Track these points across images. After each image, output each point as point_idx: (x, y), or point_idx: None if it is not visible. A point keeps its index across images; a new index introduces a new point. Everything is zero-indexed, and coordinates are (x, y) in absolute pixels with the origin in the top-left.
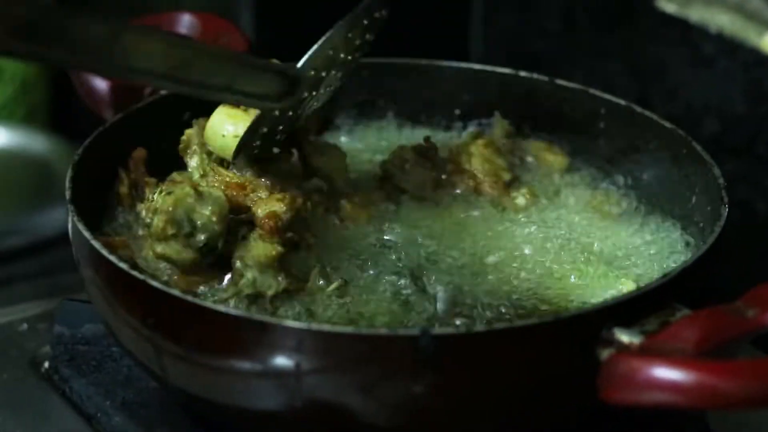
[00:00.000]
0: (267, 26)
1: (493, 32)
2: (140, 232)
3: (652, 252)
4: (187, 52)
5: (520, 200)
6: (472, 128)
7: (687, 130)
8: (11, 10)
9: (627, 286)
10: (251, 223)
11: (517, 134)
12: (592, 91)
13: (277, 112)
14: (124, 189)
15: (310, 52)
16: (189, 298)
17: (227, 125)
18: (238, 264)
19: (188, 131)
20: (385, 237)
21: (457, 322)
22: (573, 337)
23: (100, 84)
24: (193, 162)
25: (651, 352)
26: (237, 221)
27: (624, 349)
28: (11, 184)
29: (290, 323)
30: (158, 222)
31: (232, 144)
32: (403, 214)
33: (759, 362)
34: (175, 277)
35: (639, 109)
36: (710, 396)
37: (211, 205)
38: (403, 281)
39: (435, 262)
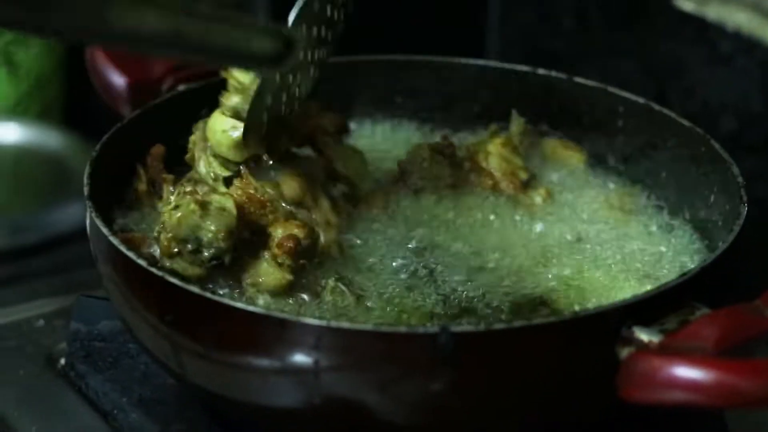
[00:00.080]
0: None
1: (509, 30)
2: (156, 230)
3: (670, 250)
4: (182, 14)
5: (537, 199)
6: (489, 126)
7: (704, 129)
8: None
9: (645, 285)
10: (260, 238)
11: (534, 132)
12: (610, 89)
13: (277, 77)
14: (142, 186)
15: (295, 9)
16: (208, 294)
17: (226, 122)
18: (250, 291)
19: (192, 138)
20: (403, 237)
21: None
22: (592, 336)
23: (118, 80)
24: (201, 168)
25: (670, 350)
26: (246, 238)
27: (643, 348)
28: (27, 180)
29: (309, 320)
30: (164, 240)
31: (231, 140)
32: (420, 212)
33: None
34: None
35: (657, 107)
36: (730, 395)
37: (216, 222)
38: (416, 278)
39: (451, 260)
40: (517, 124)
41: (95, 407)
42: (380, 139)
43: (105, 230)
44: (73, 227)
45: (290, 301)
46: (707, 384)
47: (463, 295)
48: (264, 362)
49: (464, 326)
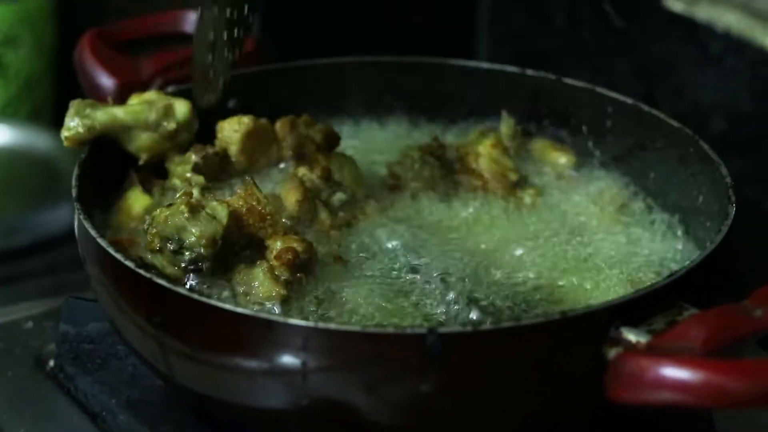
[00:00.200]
0: (274, 23)
1: (499, 30)
2: (147, 222)
3: (658, 250)
4: None
5: (527, 199)
6: (479, 127)
7: (693, 129)
8: None
9: (633, 285)
10: (252, 248)
11: (523, 133)
12: (599, 89)
13: (215, 9)
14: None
15: None
16: (195, 296)
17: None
18: (242, 299)
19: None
20: (392, 239)
21: (473, 315)
22: (580, 336)
23: (107, 81)
24: (176, 181)
25: (658, 351)
26: (238, 243)
27: (631, 348)
28: (16, 182)
29: (296, 321)
30: (149, 234)
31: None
32: (411, 213)
33: (767, 361)
34: None
35: (646, 108)
36: (717, 395)
37: (201, 228)
38: (406, 277)
39: (442, 261)
40: (506, 124)
41: (84, 409)
42: (369, 140)
43: (93, 232)
44: (61, 229)
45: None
46: (695, 384)
47: (455, 296)
48: (252, 363)
49: (452, 327)
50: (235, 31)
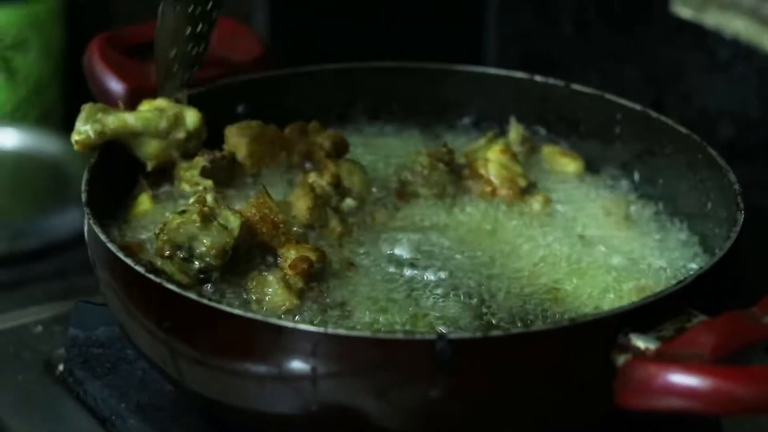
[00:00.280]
0: (281, 28)
1: (507, 36)
2: (158, 227)
3: (667, 257)
4: None
5: (536, 206)
6: (487, 133)
7: (702, 135)
8: None
9: (642, 292)
10: (263, 254)
11: (532, 139)
12: (607, 96)
13: (177, 6)
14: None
15: None
16: (205, 301)
17: None
18: (254, 307)
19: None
20: (401, 245)
21: (482, 321)
22: (589, 343)
23: (116, 86)
24: (185, 186)
25: (667, 357)
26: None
27: (640, 355)
28: (25, 186)
29: (306, 327)
30: (160, 240)
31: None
32: (420, 219)
33: None
34: None
35: (655, 115)
36: (726, 402)
37: (212, 238)
38: (415, 283)
39: (452, 268)
40: (515, 131)
41: (93, 413)
42: (377, 147)
43: (103, 236)
44: (71, 233)
45: None
46: (704, 391)
47: (465, 302)
48: (261, 369)
49: (462, 333)
50: (199, 26)
